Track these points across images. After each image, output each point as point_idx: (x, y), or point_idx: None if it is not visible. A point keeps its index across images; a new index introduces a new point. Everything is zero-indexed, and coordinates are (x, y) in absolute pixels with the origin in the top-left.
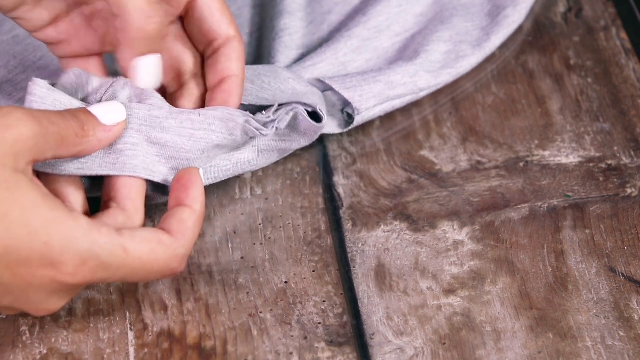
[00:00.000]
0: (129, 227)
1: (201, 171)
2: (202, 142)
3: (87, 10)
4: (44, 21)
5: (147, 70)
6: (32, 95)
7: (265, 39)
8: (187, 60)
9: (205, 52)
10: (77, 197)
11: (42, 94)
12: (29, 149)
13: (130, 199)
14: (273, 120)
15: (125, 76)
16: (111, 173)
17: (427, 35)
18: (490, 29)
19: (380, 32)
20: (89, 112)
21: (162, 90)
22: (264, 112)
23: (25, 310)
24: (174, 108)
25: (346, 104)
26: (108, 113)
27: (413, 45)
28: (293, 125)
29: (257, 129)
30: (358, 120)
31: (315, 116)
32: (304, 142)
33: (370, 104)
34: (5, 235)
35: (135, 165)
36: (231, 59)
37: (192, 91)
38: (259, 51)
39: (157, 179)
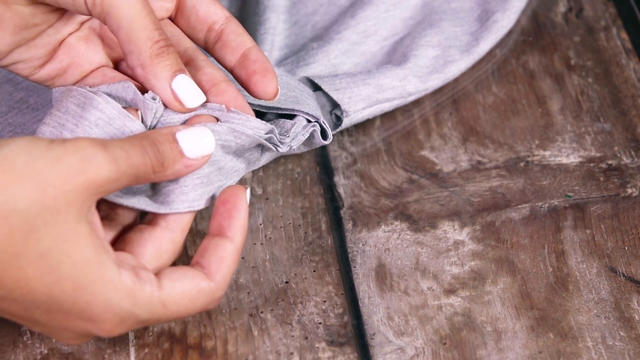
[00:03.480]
0: (172, 260)
1: (248, 191)
2: (227, 149)
3: (82, 33)
4: (41, 58)
5: (188, 90)
6: (100, 112)
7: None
8: (182, 38)
9: (207, 39)
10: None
11: (112, 114)
12: (99, 193)
13: (181, 219)
14: (291, 139)
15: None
16: (157, 211)
17: (415, 39)
18: (480, 34)
19: (368, 36)
20: (175, 142)
21: None
22: (281, 121)
23: (54, 338)
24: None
25: (335, 105)
26: (196, 143)
27: (401, 48)
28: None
29: (275, 145)
30: (346, 122)
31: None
32: (304, 149)
33: (359, 106)
34: (52, 286)
35: (182, 200)
36: (241, 34)
37: (208, 61)
38: None
39: (200, 206)
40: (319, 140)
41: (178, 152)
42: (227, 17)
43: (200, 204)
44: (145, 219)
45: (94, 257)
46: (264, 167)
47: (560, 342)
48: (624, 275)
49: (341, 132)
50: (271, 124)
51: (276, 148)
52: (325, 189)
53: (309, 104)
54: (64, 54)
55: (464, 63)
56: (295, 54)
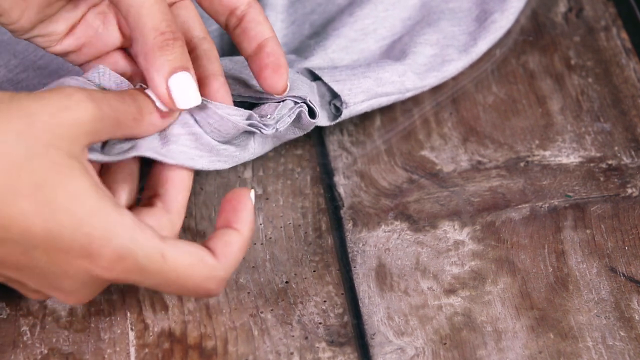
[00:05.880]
0: (172, 237)
1: (252, 193)
2: (215, 134)
3: (101, 9)
4: (61, 33)
5: (184, 91)
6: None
7: None
8: (194, 24)
9: (228, 23)
10: (126, 190)
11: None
12: (85, 133)
13: (177, 201)
14: (275, 121)
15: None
16: (155, 157)
17: (413, 37)
18: (478, 33)
19: (367, 34)
20: (147, 95)
21: None
22: (265, 105)
23: (55, 295)
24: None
25: (334, 96)
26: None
27: (399, 46)
28: (293, 122)
29: (258, 129)
30: (345, 114)
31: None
32: (299, 133)
33: (358, 98)
34: (49, 220)
35: (181, 152)
36: (261, 22)
37: (209, 53)
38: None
39: (198, 166)
40: (307, 120)
41: (150, 103)
42: (249, 3)
43: (196, 164)
44: (140, 202)
45: (91, 189)
46: (264, 167)
47: (561, 342)
48: (624, 275)
49: (341, 132)
50: (255, 111)
51: (260, 131)
52: (325, 189)
53: (300, 88)
54: (82, 32)
55: (461, 62)
56: (293, 52)
